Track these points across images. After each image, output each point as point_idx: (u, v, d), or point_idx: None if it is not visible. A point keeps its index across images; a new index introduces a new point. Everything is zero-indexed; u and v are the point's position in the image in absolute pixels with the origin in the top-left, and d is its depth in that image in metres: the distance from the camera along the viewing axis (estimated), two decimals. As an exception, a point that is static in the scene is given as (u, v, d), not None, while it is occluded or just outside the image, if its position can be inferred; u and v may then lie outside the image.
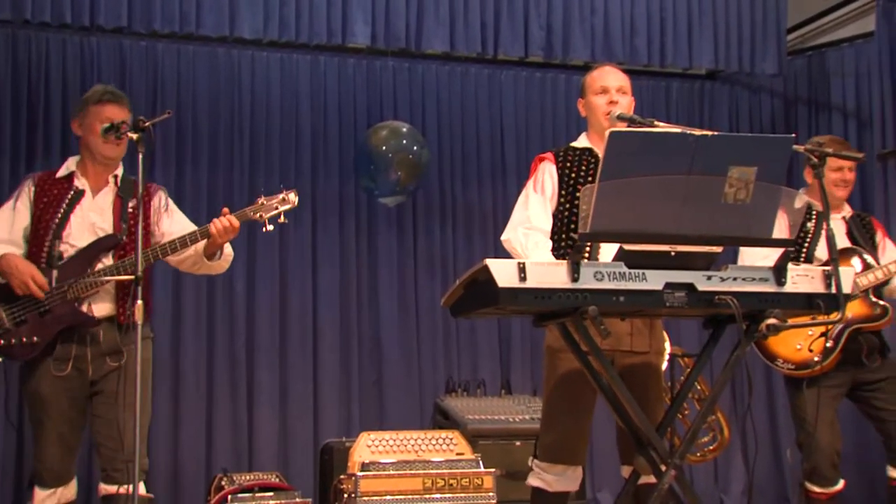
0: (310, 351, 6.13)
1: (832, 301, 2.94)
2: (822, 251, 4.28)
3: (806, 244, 4.30)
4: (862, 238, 4.39)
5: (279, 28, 5.41)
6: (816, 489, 4.27)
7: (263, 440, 5.94)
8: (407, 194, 6.12)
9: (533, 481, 3.59)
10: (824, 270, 2.95)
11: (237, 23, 5.36)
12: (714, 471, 6.58)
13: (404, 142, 5.97)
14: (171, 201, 4.02)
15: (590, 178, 3.52)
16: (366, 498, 4.16)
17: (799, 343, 4.22)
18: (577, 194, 3.50)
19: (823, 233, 4.28)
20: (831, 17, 6.70)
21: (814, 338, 4.20)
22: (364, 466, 4.26)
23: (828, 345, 4.19)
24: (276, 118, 6.24)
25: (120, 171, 3.95)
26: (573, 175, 3.59)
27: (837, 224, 4.37)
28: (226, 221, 3.74)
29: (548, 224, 3.59)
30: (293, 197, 3.83)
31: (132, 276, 3.34)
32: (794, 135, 3.41)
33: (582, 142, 3.71)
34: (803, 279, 2.94)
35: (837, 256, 3.01)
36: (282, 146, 6.23)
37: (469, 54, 6.08)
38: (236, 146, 6.14)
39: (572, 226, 3.51)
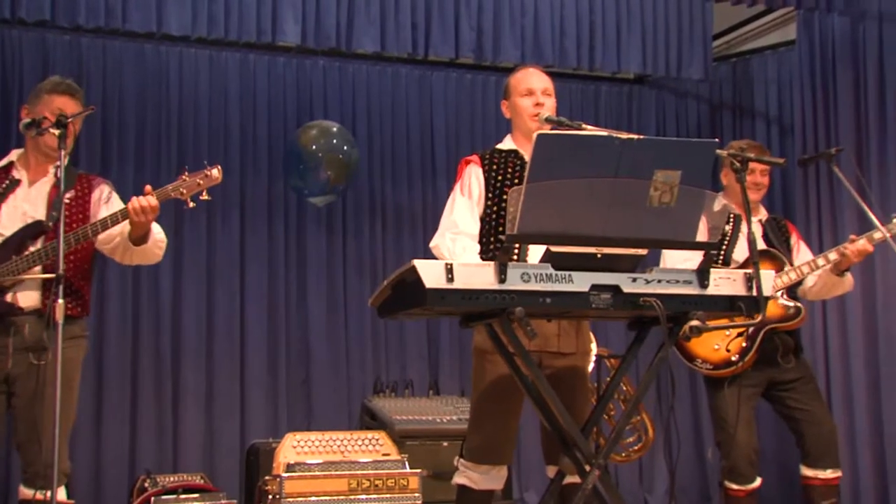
0: (237, 351, 6.07)
1: (753, 303, 2.99)
2: (739, 253, 4.36)
3: (724, 246, 4.38)
4: (777, 241, 4.48)
5: (208, 25, 5.33)
6: (734, 486, 4.34)
7: (189, 441, 5.87)
8: (336, 194, 6.10)
9: (459, 479, 3.60)
10: (745, 273, 3.01)
11: (164, 19, 5.28)
12: (639, 471, 6.66)
13: (334, 141, 5.94)
14: (114, 195, 3.91)
15: (516, 181, 3.54)
16: (290, 499, 4.14)
17: (717, 343, 4.30)
18: (504, 197, 3.52)
19: (741, 235, 4.36)
20: (755, 24, 6.83)
21: (731, 338, 4.28)
22: (289, 467, 4.23)
23: (744, 345, 4.27)
24: (204, 116, 6.17)
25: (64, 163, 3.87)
26: (499, 178, 3.60)
27: (754, 227, 4.45)
28: (143, 200, 3.60)
29: (475, 228, 3.59)
30: (216, 173, 3.73)
31: (53, 275, 3.26)
32: (717, 139, 3.48)
33: (507, 144, 3.72)
34: (725, 282, 2.99)
35: (758, 259, 3.07)
36: (210, 144, 6.16)
37: (400, 55, 6.08)
38: (163, 144, 6.06)
39: (500, 228, 3.52)
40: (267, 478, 4.30)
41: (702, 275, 2.97)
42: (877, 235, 4.24)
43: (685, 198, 2.87)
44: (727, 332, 4.24)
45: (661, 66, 6.38)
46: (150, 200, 3.63)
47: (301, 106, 6.38)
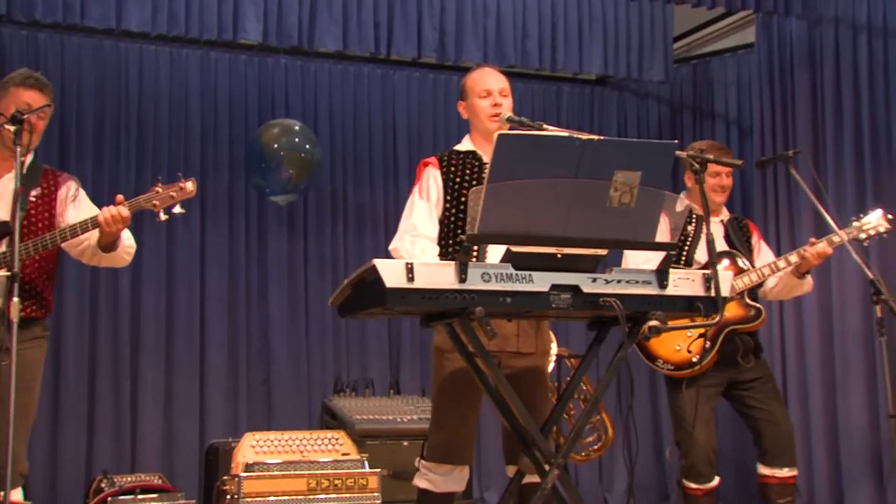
0: (196, 350, 6.03)
1: (711, 304, 3.02)
2: (701, 254, 4.40)
3: (686, 247, 4.41)
4: (738, 241, 4.52)
5: (168, 22, 5.29)
6: (693, 485, 4.38)
7: (147, 441, 5.82)
8: (298, 193, 6.08)
9: (419, 482, 3.59)
10: (704, 274, 3.03)
11: (124, 15, 5.22)
12: (598, 470, 6.70)
13: (296, 140, 5.92)
14: (81, 193, 3.87)
15: (474, 182, 3.54)
16: (249, 499, 4.12)
17: (678, 344, 4.33)
18: (463, 199, 3.53)
19: (703, 236, 4.39)
20: (715, 27, 6.88)
21: (692, 339, 4.32)
22: (248, 467, 4.21)
23: (706, 346, 4.31)
24: (164, 114, 6.12)
25: (30, 159, 3.82)
26: (458, 179, 3.60)
27: (716, 227, 4.49)
28: (114, 210, 3.60)
29: (434, 230, 3.59)
30: (191, 186, 3.71)
31: (8, 273, 3.22)
32: (676, 141, 3.51)
33: (465, 145, 3.72)
34: (684, 282, 3.01)
35: (716, 261, 3.09)
36: (170, 142, 6.12)
37: (362, 54, 6.06)
38: (123, 142, 6.01)
39: (459, 230, 3.52)
40: (225, 478, 4.27)
41: (661, 275, 2.99)
42: (836, 239, 4.29)
43: (645, 198, 2.89)
44: (688, 333, 4.27)
45: (622, 67, 6.42)
46: (121, 211, 3.61)
47: (263, 104, 6.35)
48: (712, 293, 3.00)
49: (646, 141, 3.27)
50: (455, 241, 3.53)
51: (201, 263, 6.13)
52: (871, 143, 5.73)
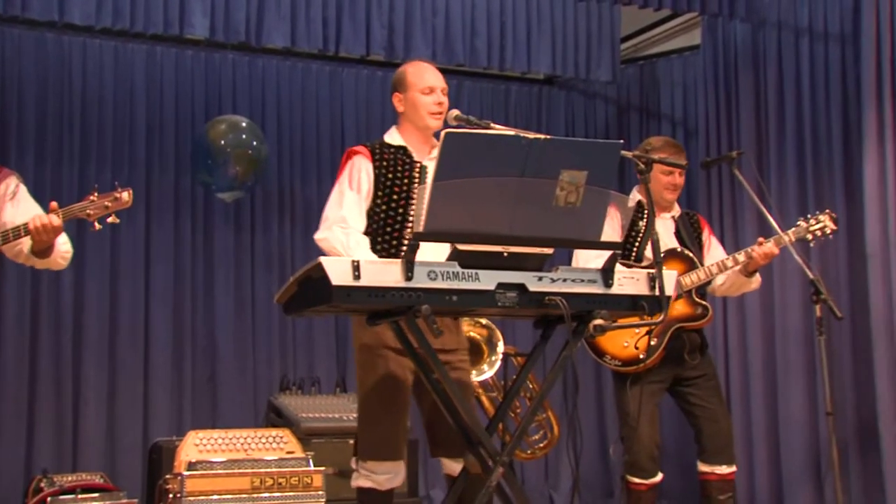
0: (141, 347, 5.96)
1: (655, 303, 3.05)
2: (651, 250, 4.42)
3: (637, 242, 4.45)
4: (689, 237, 4.57)
5: (112, 15, 5.21)
6: (636, 480, 4.41)
7: (89, 439, 5.74)
8: (245, 190, 6.03)
9: (361, 482, 3.56)
10: (649, 273, 3.06)
11: (67, 8, 5.13)
12: (545, 468, 6.74)
13: (243, 136, 5.88)
14: (22, 189, 3.78)
15: (405, 179, 3.52)
16: (192, 498, 4.08)
17: (626, 341, 4.37)
18: (394, 196, 3.52)
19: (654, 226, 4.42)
20: (661, 28, 6.95)
21: (640, 335, 4.35)
22: (191, 466, 4.17)
23: (652, 342, 4.35)
24: (109, 109, 6.04)
25: None
26: (389, 175, 3.56)
27: (667, 223, 4.53)
28: (45, 219, 3.52)
29: (363, 224, 3.56)
30: (126, 196, 3.66)
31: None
32: (622, 140, 3.54)
33: (395, 138, 3.68)
34: (629, 281, 3.04)
35: (661, 260, 3.12)
36: (115, 138, 6.04)
37: (310, 51, 6.04)
38: (66, 138, 5.91)
39: (388, 228, 3.51)
40: (168, 476, 4.23)
41: (606, 274, 3.01)
42: (783, 239, 4.36)
43: (591, 198, 2.91)
44: (636, 330, 4.31)
45: (570, 67, 6.46)
46: (52, 220, 3.54)
47: (210, 100, 6.29)
48: (657, 292, 3.04)
49: (592, 140, 3.30)
50: (383, 238, 3.51)
51: (146, 260, 6.06)
52: (812, 144, 5.83)
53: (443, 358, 3.53)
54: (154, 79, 6.16)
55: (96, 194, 3.65)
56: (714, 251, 4.62)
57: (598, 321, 2.97)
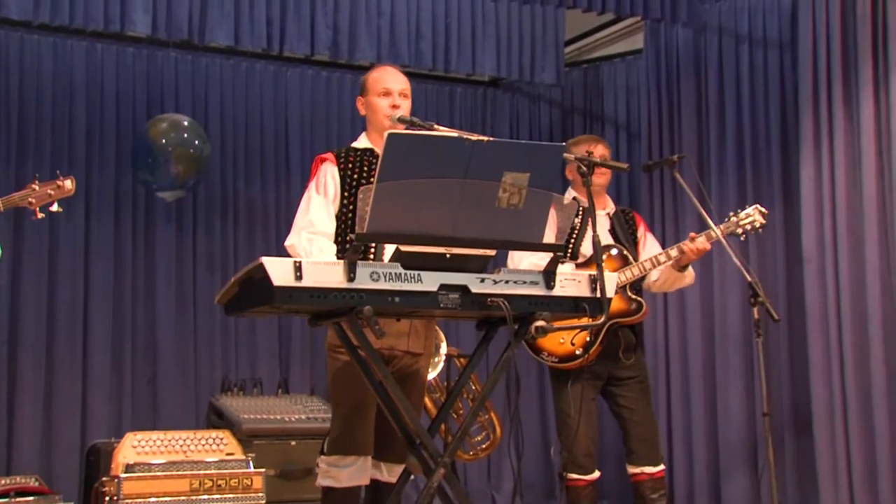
0: (79, 348, 5.87)
1: (596, 304, 3.07)
2: (587, 247, 4.47)
3: (572, 240, 4.49)
4: (624, 233, 4.61)
5: (51, 11, 5.12)
6: (574, 477, 4.45)
7: (24, 441, 5.63)
8: (187, 189, 5.98)
9: (322, 481, 3.58)
10: (590, 275, 3.09)
11: (3, 2, 5.03)
12: (487, 469, 6.76)
13: (185, 135, 5.82)
14: None
15: (371, 179, 3.54)
16: (129, 500, 4.04)
17: (562, 338, 4.40)
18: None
19: (589, 229, 4.47)
20: (605, 32, 7.01)
21: (576, 332, 4.39)
22: (128, 468, 4.12)
23: (588, 339, 4.39)
24: (47, 106, 5.94)
25: None
26: (355, 176, 3.61)
27: (602, 220, 4.57)
28: None
29: (331, 227, 3.58)
30: (69, 185, 3.63)
31: None
32: (564, 143, 3.56)
33: (362, 142, 3.73)
34: (571, 283, 3.06)
35: (602, 262, 3.15)
36: (54, 136, 5.94)
37: (254, 50, 6.00)
38: (3, 135, 5.80)
39: (353, 236, 3.51)
40: (104, 479, 4.18)
41: (548, 276, 3.02)
42: (713, 234, 4.43)
43: (533, 200, 2.92)
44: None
45: (514, 69, 6.50)
46: None
47: (151, 98, 6.21)
48: (598, 294, 3.06)
49: (534, 143, 3.33)
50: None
51: (85, 259, 5.97)
52: (751, 149, 5.92)
53: (407, 362, 3.56)
54: (94, 76, 6.08)
55: (38, 183, 3.60)
56: (650, 247, 4.67)
57: (540, 323, 2.98)
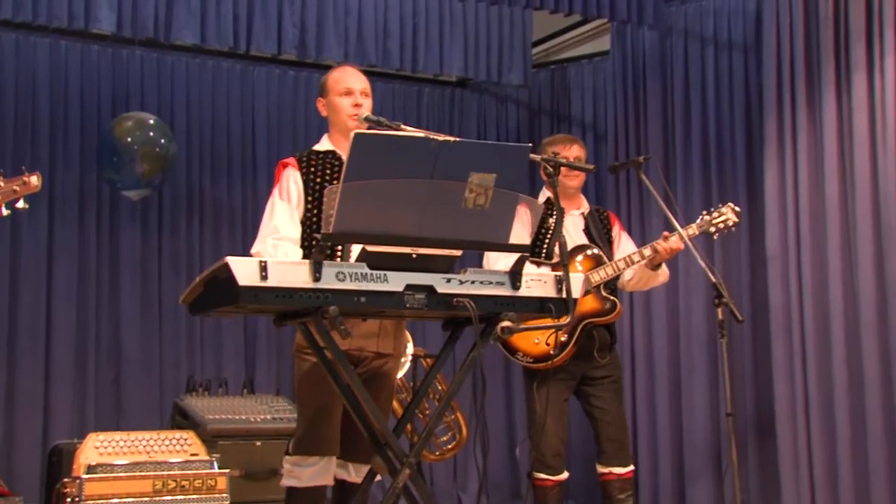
0: (42, 347, 5.81)
1: (562, 305, 3.08)
2: None
3: (547, 239, 4.50)
4: (598, 233, 4.63)
5: (13, 7, 5.06)
6: (542, 477, 4.47)
7: (-15, 443, 5.59)
8: (152, 188, 5.94)
9: (286, 481, 3.57)
10: (556, 276, 3.10)
11: (-37, -2, 5.00)
12: (453, 469, 6.76)
13: (151, 134, 5.78)
14: None
15: (335, 182, 3.54)
16: (91, 502, 4.00)
17: (537, 338, 4.41)
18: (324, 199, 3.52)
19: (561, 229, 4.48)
20: (572, 34, 7.04)
21: (551, 332, 4.39)
22: (90, 469, 4.08)
23: (562, 339, 4.41)
24: (10, 103, 5.87)
25: None
26: (318, 179, 3.60)
27: (576, 220, 4.59)
28: None
29: (296, 232, 3.57)
30: (35, 181, 3.59)
31: None
32: (530, 144, 3.56)
33: (324, 144, 3.72)
34: (537, 284, 3.07)
35: (567, 262, 3.16)
36: (17, 133, 5.87)
37: (221, 48, 5.97)
38: (-35, 131, 5.75)
39: (318, 235, 3.51)
40: (66, 480, 4.13)
41: (514, 276, 3.03)
42: (688, 233, 4.46)
43: (500, 200, 2.93)
44: (545, 329, 4.35)
45: (482, 70, 6.51)
46: None
47: (116, 97, 6.16)
48: (563, 295, 3.07)
49: (501, 143, 3.33)
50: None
51: (48, 258, 5.91)
52: (716, 150, 5.97)
53: (377, 363, 3.56)
54: (58, 74, 6.02)
55: (2, 179, 3.56)
56: (624, 246, 4.69)
57: (506, 323, 2.99)
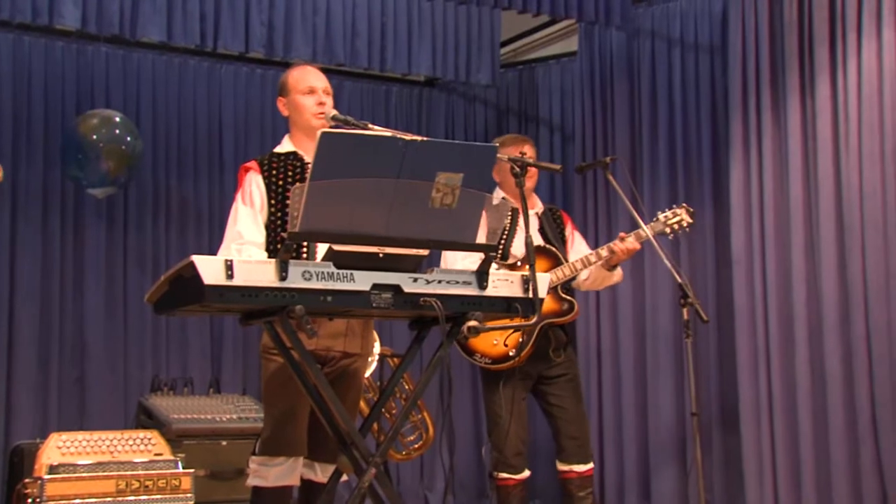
0: (3, 346, 5.75)
1: (528, 305, 3.09)
2: (517, 247, 4.49)
3: (502, 240, 4.51)
4: (552, 232, 4.65)
5: (-24, 3, 5.03)
6: (504, 476, 4.48)
7: (-55, 443, 5.52)
8: (118, 186, 5.89)
9: (251, 481, 3.55)
10: (523, 276, 3.11)
11: (-74, -7, 4.94)
12: (420, 468, 6.77)
13: (116, 131, 5.73)
14: None
15: (298, 183, 3.52)
16: (52, 502, 3.96)
17: (496, 339, 4.42)
18: (288, 202, 3.50)
19: (519, 230, 4.49)
20: (540, 34, 7.06)
21: (509, 333, 4.41)
22: (52, 469, 4.04)
23: (521, 339, 4.42)
24: (-28, 99, 5.82)
25: None
26: (280, 182, 3.57)
27: (531, 220, 4.59)
28: None
29: (261, 236, 3.54)
30: None
31: None
32: (496, 144, 3.57)
33: (286, 146, 3.69)
34: (503, 283, 3.08)
35: (534, 262, 3.17)
36: (-22, 129, 5.82)
37: (188, 46, 5.93)
38: (-73, 128, 5.68)
39: (285, 234, 3.49)
40: (27, 480, 4.09)
41: (480, 276, 3.04)
42: (642, 234, 4.48)
43: (466, 200, 2.94)
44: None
45: (450, 69, 6.51)
46: None
47: (81, 94, 6.10)
48: (530, 294, 3.08)
49: (468, 143, 3.33)
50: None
51: (11, 255, 5.85)
52: (683, 151, 6.01)
53: (344, 363, 3.55)
54: (22, 69, 5.96)
55: None
56: (578, 246, 4.71)
57: (472, 323, 2.99)
